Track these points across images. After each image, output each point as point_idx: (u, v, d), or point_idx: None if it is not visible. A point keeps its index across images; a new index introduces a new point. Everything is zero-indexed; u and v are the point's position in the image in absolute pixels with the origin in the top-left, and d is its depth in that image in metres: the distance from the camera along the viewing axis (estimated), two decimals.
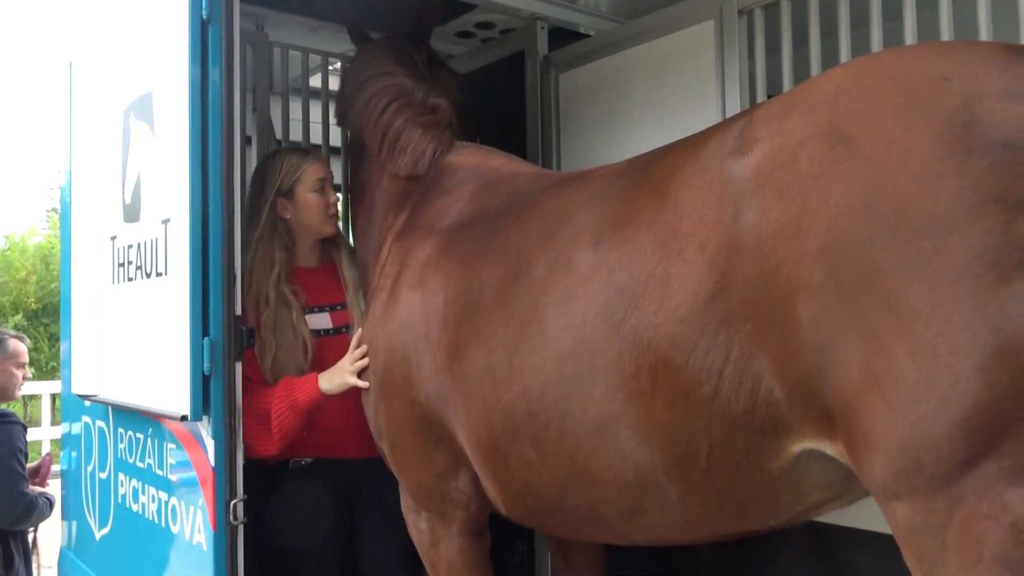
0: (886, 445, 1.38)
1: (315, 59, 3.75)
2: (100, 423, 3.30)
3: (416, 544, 2.44)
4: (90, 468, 3.43)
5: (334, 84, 3.76)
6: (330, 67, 3.80)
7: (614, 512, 1.85)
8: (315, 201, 2.79)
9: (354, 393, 2.52)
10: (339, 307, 2.86)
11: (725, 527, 1.79)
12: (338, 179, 3.37)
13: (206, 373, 2.38)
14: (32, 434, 14.32)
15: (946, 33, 2.32)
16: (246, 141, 3.52)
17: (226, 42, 2.47)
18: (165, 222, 2.54)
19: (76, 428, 3.62)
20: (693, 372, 1.61)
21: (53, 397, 13.36)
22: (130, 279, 2.79)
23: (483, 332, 2.01)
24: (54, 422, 13.26)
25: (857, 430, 1.43)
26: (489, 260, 2.06)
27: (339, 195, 3.00)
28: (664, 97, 2.82)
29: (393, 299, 2.33)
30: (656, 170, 1.80)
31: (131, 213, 2.79)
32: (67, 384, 3.62)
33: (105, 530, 3.26)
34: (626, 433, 1.72)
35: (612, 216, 1.82)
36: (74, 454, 3.66)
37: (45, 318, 15.11)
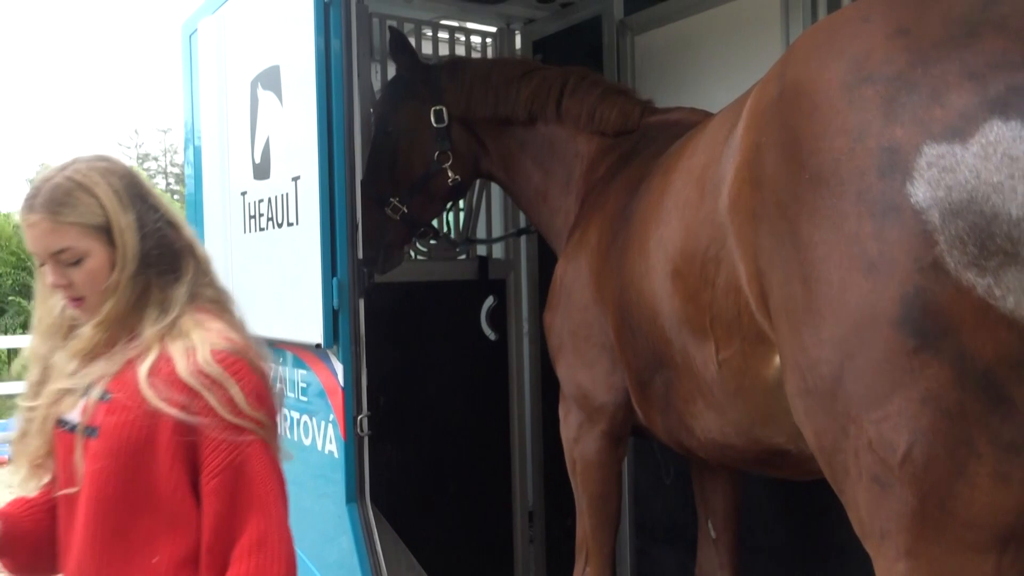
0: (790, 366, 1.52)
1: (408, 26, 4.09)
2: None
3: (563, 440, 2.75)
4: None
5: (426, 48, 4.11)
6: (422, 32, 4.14)
7: (681, 396, 2.16)
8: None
9: None
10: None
11: (772, 436, 1.95)
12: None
13: (335, 308, 2.80)
14: None
15: None
16: None
17: (345, 21, 2.84)
18: (295, 179, 2.94)
19: None
20: (696, 279, 1.91)
21: None
22: (261, 229, 3.21)
23: (620, 235, 2.39)
24: None
25: (780, 351, 1.58)
26: (645, 181, 2.38)
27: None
28: (733, 60, 3.08)
29: (583, 228, 2.69)
30: (724, 108, 2.07)
31: (261, 172, 3.21)
32: None
33: None
34: (667, 324, 2.08)
35: (682, 149, 2.16)
36: None
37: None
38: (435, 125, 3.07)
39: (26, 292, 15.32)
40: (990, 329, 1.21)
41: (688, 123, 2.57)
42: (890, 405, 1.31)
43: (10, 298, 15.19)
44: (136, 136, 66.55)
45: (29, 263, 15.43)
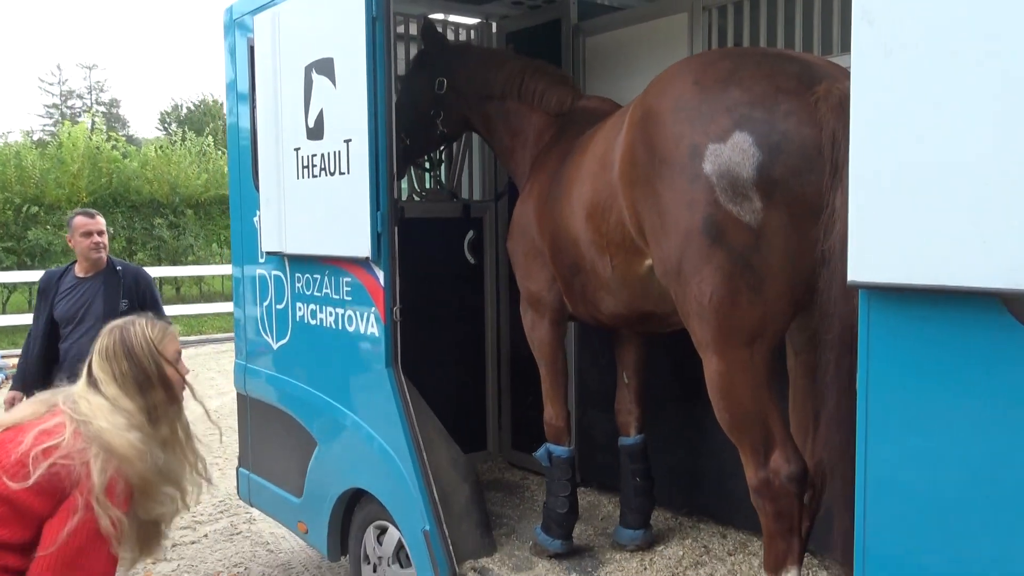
0: (655, 261, 2.87)
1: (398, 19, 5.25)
2: (276, 272, 4.95)
3: (524, 328, 4.06)
4: (266, 303, 5.11)
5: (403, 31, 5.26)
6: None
7: (591, 289, 3.48)
8: None
9: None
10: None
11: (643, 306, 3.26)
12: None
13: (379, 232, 4.02)
14: None
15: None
16: None
17: (386, 28, 4.00)
18: (347, 141, 4.12)
19: (249, 278, 5.27)
20: (599, 218, 3.19)
21: None
22: (314, 176, 4.39)
23: (553, 191, 3.67)
24: None
25: (652, 255, 2.90)
26: (570, 155, 3.63)
27: None
28: (653, 62, 4.36)
29: (531, 182, 3.97)
30: (618, 111, 3.43)
31: (315, 134, 4.36)
32: (239, 251, 5.26)
33: (283, 341, 4.96)
34: (582, 245, 3.41)
35: (592, 137, 3.45)
36: (247, 296, 5.33)
37: None
38: (436, 91, 4.38)
39: None
40: (739, 232, 2.52)
41: (600, 111, 3.87)
42: (702, 273, 2.61)
43: None
44: (59, 72, 64.35)
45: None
